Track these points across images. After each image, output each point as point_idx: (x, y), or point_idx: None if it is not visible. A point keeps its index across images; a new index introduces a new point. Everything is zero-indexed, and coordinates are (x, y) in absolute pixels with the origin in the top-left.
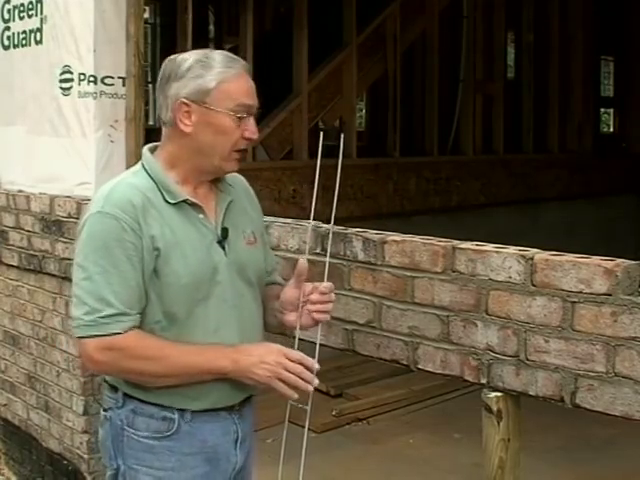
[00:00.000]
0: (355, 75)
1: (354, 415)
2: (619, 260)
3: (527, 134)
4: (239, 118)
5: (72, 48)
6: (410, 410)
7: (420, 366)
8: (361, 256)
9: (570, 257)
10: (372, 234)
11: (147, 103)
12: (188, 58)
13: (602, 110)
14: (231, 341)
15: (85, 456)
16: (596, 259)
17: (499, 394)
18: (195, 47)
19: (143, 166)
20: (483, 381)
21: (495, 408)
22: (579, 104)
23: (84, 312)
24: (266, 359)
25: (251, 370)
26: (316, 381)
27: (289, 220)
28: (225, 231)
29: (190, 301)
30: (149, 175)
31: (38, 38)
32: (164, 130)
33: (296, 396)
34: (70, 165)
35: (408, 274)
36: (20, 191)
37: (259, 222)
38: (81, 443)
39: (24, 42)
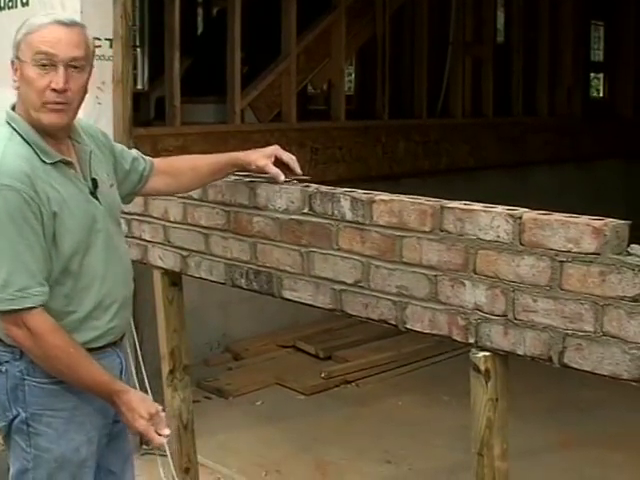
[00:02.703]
0: (344, 37)
1: (343, 377)
2: (608, 219)
3: (516, 98)
4: (41, 67)
5: (59, 9)
6: (399, 372)
7: (408, 326)
8: (349, 216)
9: (558, 216)
10: (360, 194)
11: (135, 66)
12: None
13: (592, 75)
14: (118, 278)
15: None
16: (585, 218)
17: (487, 354)
18: (183, 9)
19: (15, 129)
20: (471, 341)
21: (483, 368)
22: (568, 68)
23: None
24: (131, 418)
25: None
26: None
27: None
28: (95, 182)
29: (81, 254)
30: (23, 139)
31: (25, 0)
32: None
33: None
34: None
35: (396, 234)
36: None
37: (109, 161)
38: None
39: (10, 4)
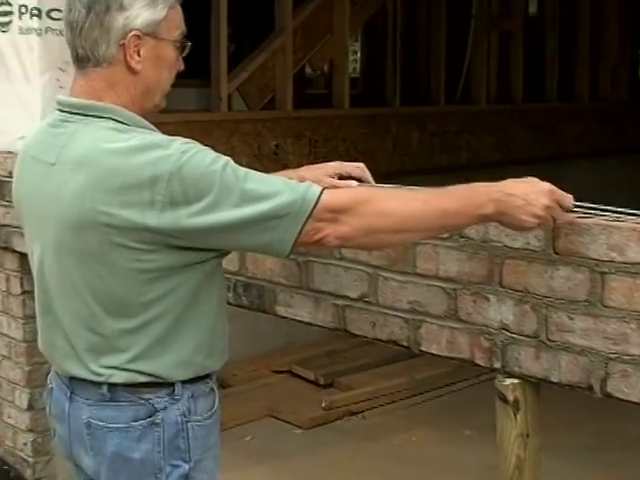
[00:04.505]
0: (348, 9)
1: (347, 408)
2: None
3: (551, 80)
4: (180, 49)
5: None
6: (412, 402)
7: (423, 348)
8: None
9: (599, 220)
10: None
11: None
12: None
13: None
14: None
15: (30, 459)
16: (630, 222)
17: (515, 381)
18: None
19: (120, 121)
20: (497, 365)
21: (511, 397)
22: (614, 44)
23: (278, 203)
24: (533, 202)
25: (514, 215)
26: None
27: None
28: None
29: None
30: (135, 128)
31: None
32: (100, 71)
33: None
34: (11, 115)
35: None
36: None
37: None
38: (25, 444)
39: None
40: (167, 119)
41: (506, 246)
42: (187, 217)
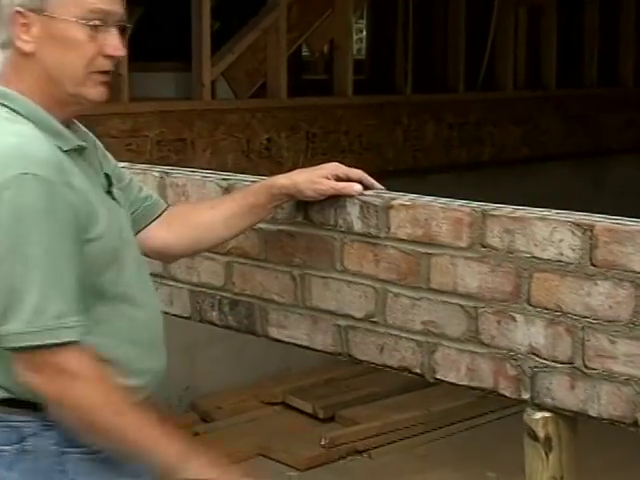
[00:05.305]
0: None
1: (350, 446)
2: None
3: (589, 62)
4: (93, 28)
5: None
6: (427, 439)
7: (439, 376)
8: (358, 226)
9: None
10: (372, 196)
11: None
12: None
13: None
14: (153, 305)
15: None
16: None
17: (547, 414)
18: None
19: (12, 109)
20: (525, 396)
21: (542, 434)
22: None
23: (26, 316)
24: None
25: None
26: None
27: (263, 179)
28: (108, 177)
29: (114, 269)
30: (28, 119)
31: None
32: (6, 54)
33: None
34: None
35: (422, 250)
36: None
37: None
38: None
39: None
40: (139, 109)
41: (535, 257)
42: None
